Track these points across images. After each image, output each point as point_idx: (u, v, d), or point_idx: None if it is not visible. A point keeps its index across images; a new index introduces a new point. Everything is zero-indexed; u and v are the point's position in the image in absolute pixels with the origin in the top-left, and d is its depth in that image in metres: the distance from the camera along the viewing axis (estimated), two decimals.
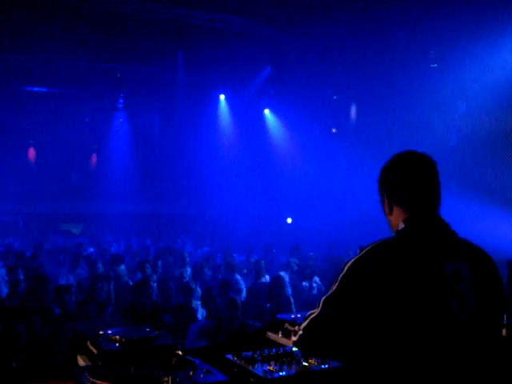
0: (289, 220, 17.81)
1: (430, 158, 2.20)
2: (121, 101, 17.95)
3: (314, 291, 8.05)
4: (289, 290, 6.79)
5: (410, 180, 2.17)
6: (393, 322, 1.96)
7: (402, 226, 2.15)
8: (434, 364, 1.94)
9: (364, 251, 2.05)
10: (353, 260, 2.06)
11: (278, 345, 2.89)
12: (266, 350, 2.74)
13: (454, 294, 1.99)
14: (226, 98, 17.82)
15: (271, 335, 3.13)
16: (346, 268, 2.06)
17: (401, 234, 2.13)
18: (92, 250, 12.42)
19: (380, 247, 2.06)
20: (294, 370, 2.54)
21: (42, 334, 5.05)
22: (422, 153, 2.22)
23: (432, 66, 12.37)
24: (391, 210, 2.21)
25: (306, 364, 2.61)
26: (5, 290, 7.96)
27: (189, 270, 8.98)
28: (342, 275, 2.06)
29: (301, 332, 2.17)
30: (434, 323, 1.95)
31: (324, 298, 2.10)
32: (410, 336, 1.94)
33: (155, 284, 6.68)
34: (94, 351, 2.70)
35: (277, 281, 6.60)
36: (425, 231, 2.11)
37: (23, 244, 12.95)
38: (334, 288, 2.07)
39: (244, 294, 7.96)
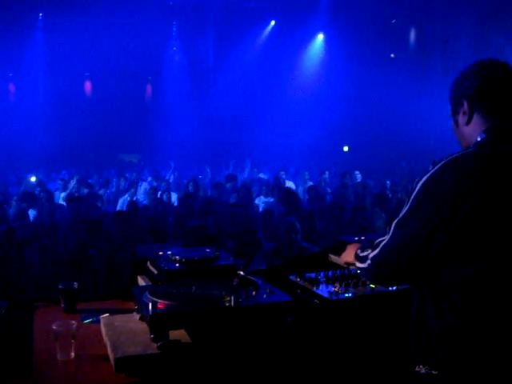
0: (345, 148, 17.61)
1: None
2: (173, 29, 17.72)
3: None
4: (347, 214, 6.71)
5: (499, 85, 1.97)
6: (469, 240, 1.79)
7: (481, 136, 1.94)
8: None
9: (438, 166, 1.86)
10: (426, 176, 1.87)
11: (341, 267, 2.77)
12: (329, 272, 2.65)
13: None
14: (278, 22, 17.41)
15: (334, 258, 3.00)
16: (418, 186, 1.88)
17: (481, 145, 1.93)
18: (149, 178, 12.59)
19: (456, 160, 1.86)
20: (360, 291, 2.44)
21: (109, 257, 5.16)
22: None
23: None
24: (470, 119, 2.00)
25: (373, 286, 2.50)
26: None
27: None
28: (414, 194, 1.89)
29: (369, 261, 1.99)
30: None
31: (395, 221, 1.93)
32: (485, 254, 1.78)
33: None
34: (154, 271, 2.66)
35: (335, 204, 6.61)
36: (508, 142, 1.90)
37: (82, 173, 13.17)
38: (406, 209, 1.90)
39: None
